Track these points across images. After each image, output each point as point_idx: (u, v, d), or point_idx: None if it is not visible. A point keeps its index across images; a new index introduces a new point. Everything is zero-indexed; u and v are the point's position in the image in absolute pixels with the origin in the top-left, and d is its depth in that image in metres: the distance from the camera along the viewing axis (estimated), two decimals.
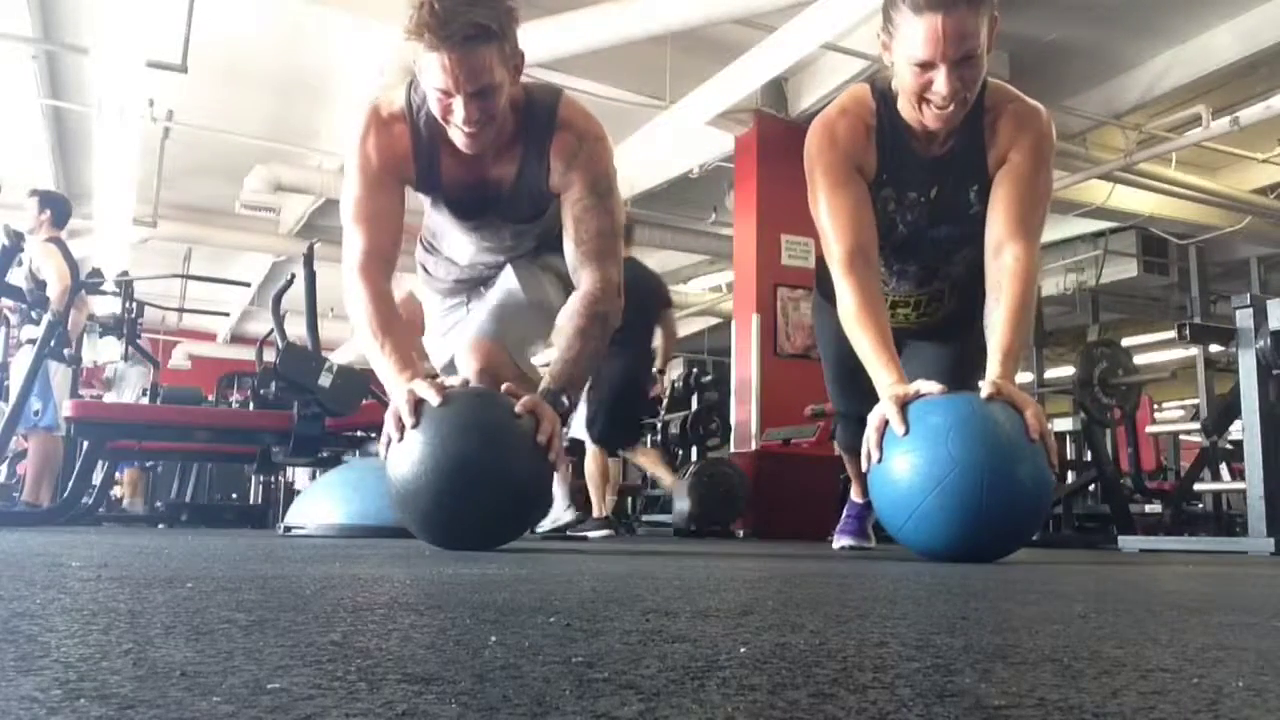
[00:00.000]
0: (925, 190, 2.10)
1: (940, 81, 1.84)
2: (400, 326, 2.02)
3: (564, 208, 2.10)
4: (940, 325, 2.37)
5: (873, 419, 1.85)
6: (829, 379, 2.56)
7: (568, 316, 2.05)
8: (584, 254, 2.08)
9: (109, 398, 6.72)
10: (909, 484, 1.77)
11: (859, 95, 2.08)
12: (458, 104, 1.88)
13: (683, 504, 5.73)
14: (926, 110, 1.91)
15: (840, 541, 2.82)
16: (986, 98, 2.01)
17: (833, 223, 2.03)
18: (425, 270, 2.52)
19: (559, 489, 3.19)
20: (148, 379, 6.78)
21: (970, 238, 2.09)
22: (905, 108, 1.99)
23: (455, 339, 2.42)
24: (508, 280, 2.36)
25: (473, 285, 2.47)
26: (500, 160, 2.10)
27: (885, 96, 2.03)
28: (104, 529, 4.47)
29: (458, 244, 2.37)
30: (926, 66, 1.84)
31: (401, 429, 1.80)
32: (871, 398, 1.93)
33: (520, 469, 1.85)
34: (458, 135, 1.95)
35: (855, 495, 2.80)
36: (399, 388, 1.87)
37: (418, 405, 1.81)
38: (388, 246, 2.05)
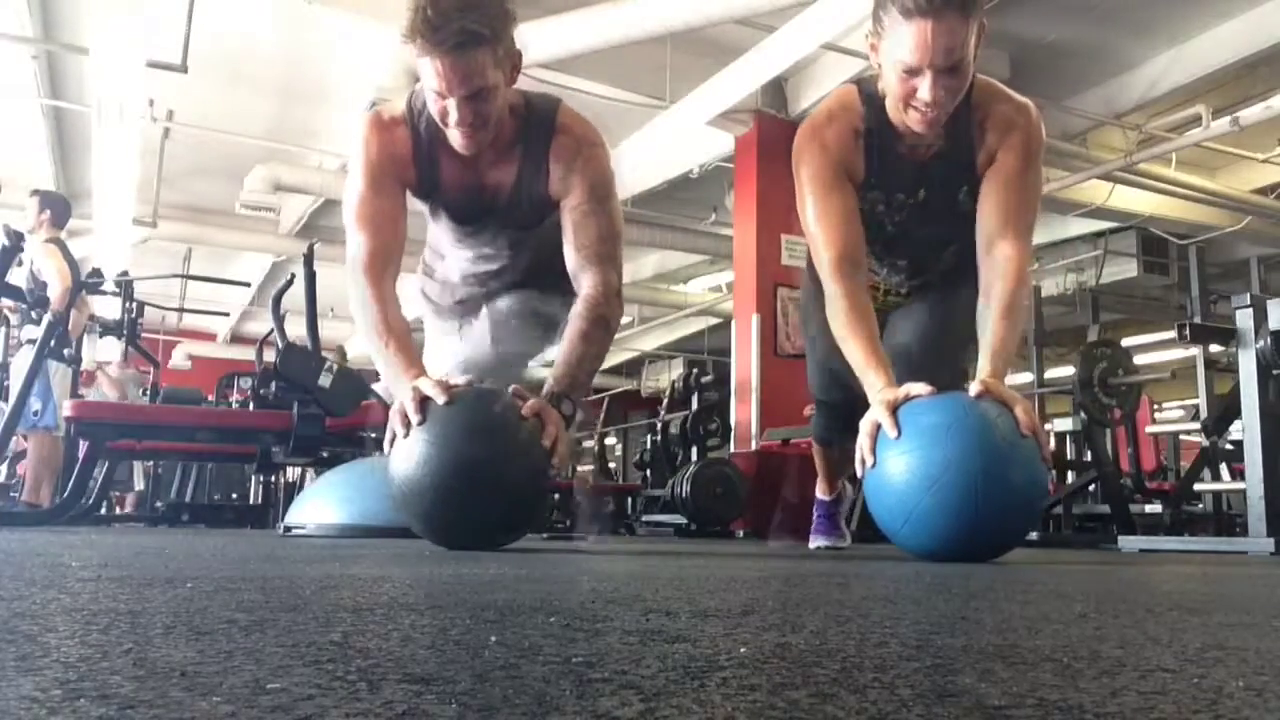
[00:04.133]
0: (913, 192, 2.10)
1: (925, 88, 1.84)
2: (403, 326, 2.03)
3: (563, 213, 2.12)
4: (928, 294, 2.39)
5: (865, 425, 1.85)
6: (813, 365, 2.55)
7: (570, 321, 2.06)
8: (584, 258, 2.09)
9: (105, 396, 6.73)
10: (905, 485, 1.77)
11: (846, 99, 2.08)
12: (452, 106, 1.91)
13: None
14: (911, 114, 1.91)
15: (816, 542, 2.81)
16: (974, 97, 2.00)
17: (820, 228, 2.05)
18: (425, 295, 2.54)
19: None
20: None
21: (960, 235, 2.09)
22: (892, 110, 1.99)
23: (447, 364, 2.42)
24: (482, 331, 2.40)
25: (465, 310, 2.48)
26: (499, 165, 2.12)
27: (872, 99, 2.03)
28: (113, 529, 4.47)
29: (454, 257, 2.38)
30: (913, 72, 1.84)
31: (407, 425, 1.81)
32: (854, 389, 1.96)
33: (524, 471, 1.85)
34: (455, 136, 1.97)
35: (821, 493, 2.78)
36: (405, 386, 1.87)
37: (423, 403, 1.81)
38: (390, 247, 2.06)
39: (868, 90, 2.05)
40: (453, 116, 1.93)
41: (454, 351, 2.48)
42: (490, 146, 2.05)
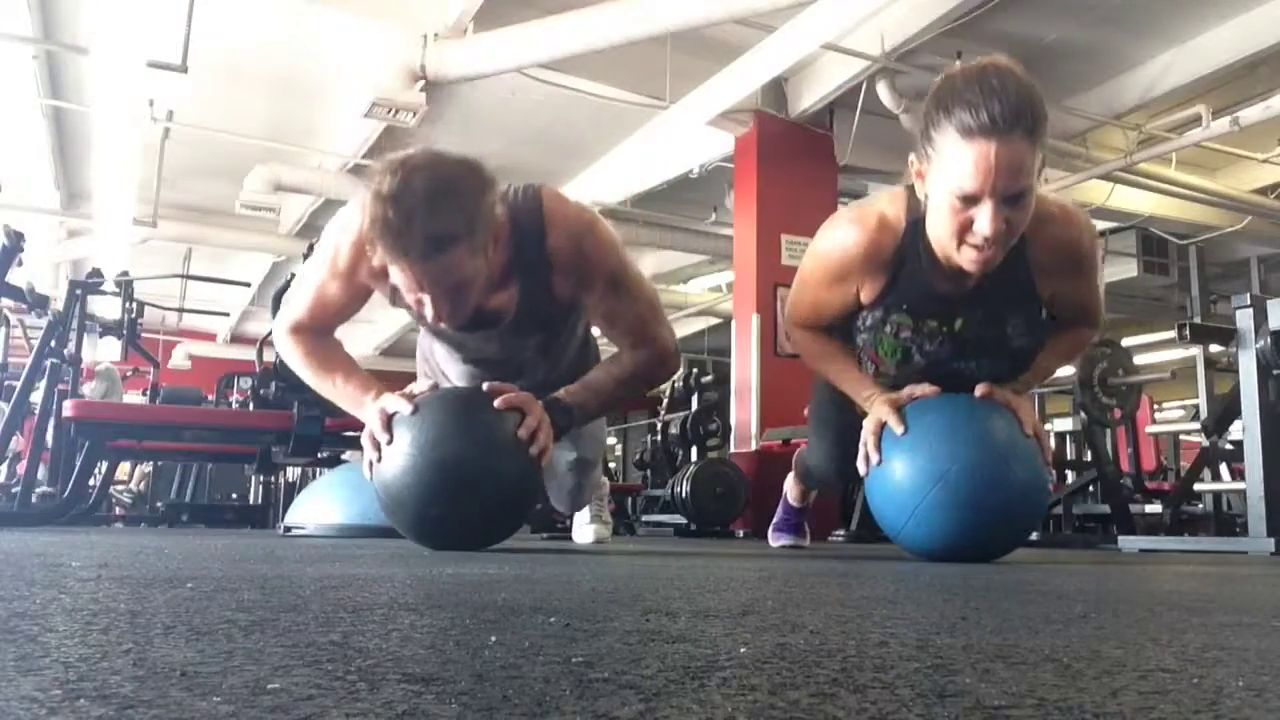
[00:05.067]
0: (948, 320, 1.89)
1: (984, 219, 1.61)
2: (346, 357, 1.99)
3: (591, 313, 2.00)
4: None
5: (869, 424, 1.86)
6: (824, 433, 2.31)
7: (616, 360, 2.02)
8: (633, 343, 2.01)
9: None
10: (911, 482, 1.77)
11: (890, 218, 1.83)
12: (427, 302, 1.72)
13: None
14: (965, 252, 1.68)
15: (780, 541, 2.84)
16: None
17: (801, 303, 2.00)
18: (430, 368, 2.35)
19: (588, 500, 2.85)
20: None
21: (1008, 370, 1.92)
22: (938, 246, 1.76)
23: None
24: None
25: None
26: (496, 294, 1.88)
27: (917, 225, 1.79)
28: (113, 529, 4.47)
29: (452, 368, 2.18)
30: (970, 201, 1.61)
31: (379, 448, 1.79)
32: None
33: (502, 466, 1.83)
34: (433, 320, 1.78)
35: (793, 499, 2.80)
36: (368, 409, 1.85)
37: (390, 420, 1.80)
38: (327, 327, 2.00)
39: (914, 217, 1.80)
40: (429, 311, 1.73)
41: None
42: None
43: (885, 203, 1.87)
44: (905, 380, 1.94)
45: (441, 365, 2.21)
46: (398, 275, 1.69)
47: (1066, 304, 1.92)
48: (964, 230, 1.65)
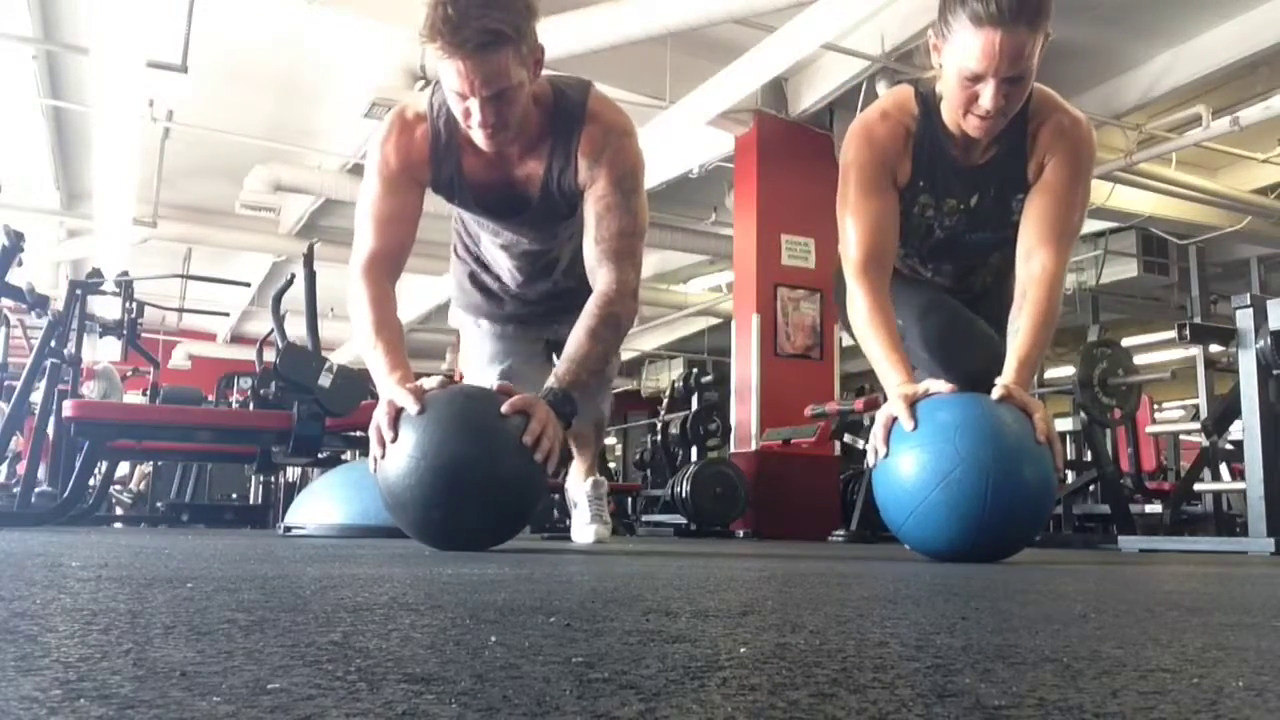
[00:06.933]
0: (965, 198, 2.09)
1: (987, 96, 1.84)
2: (395, 327, 2.02)
3: (586, 203, 2.07)
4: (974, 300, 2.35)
5: (881, 416, 1.86)
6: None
7: (581, 316, 2.03)
8: (602, 253, 2.05)
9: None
10: (914, 480, 1.77)
11: (901, 99, 2.07)
12: (474, 107, 1.86)
13: None
14: (969, 119, 1.91)
15: None
16: (1030, 105, 2.00)
17: (855, 226, 2.03)
18: (472, 285, 2.48)
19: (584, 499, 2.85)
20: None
21: (1009, 242, 2.08)
22: (947, 113, 1.98)
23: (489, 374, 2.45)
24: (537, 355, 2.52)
25: (519, 325, 2.49)
26: (527, 158, 2.07)
27: (927, 101, 2.02)
28: (113, 529, 4.47)
29: (494, 254, 2.34)
30: (975, 79, 1.84)
31: (383, 445, 1.80)
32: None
33: (505, 470, 1.82)
34: (477, 136, 1.94)
35: None
36: (383, 393, 1.87)
37: (397, 417, 1.80)
38: (396, 250, 2.06)
39: (923, 92, 2.04)
40: (475, 118, 1.88)
41: (496, 357, 2.52)
42: (517, 141, 2.01)
43: (888, 95, 2.12)
44: (925, 252, 2.16)
45: (487, 260, 2.36)
46: (450, 79, 1.84)
47: (1040, 200, 2.02)
48: (970, 102, 1.88)
